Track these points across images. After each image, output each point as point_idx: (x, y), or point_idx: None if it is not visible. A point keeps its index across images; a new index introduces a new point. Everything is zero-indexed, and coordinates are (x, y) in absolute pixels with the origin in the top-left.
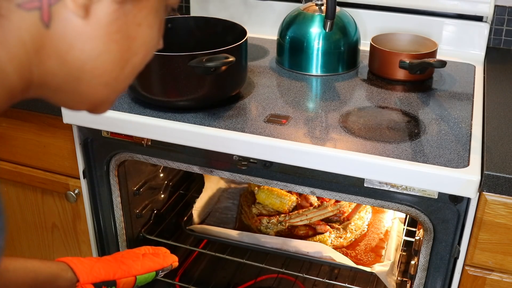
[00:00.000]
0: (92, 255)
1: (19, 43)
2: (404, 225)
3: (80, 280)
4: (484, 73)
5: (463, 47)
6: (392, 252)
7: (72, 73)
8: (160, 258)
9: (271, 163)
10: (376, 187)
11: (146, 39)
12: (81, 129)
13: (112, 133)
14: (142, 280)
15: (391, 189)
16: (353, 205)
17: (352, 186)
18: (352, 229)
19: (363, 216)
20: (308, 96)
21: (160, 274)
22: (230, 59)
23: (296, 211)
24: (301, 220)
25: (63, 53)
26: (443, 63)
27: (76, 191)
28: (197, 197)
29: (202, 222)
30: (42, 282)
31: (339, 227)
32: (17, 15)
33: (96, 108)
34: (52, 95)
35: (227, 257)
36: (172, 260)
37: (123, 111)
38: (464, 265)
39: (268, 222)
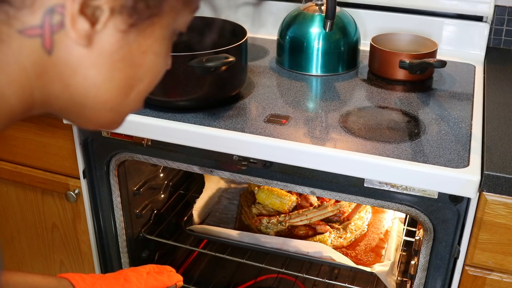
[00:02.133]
0: (92, 255)
1: (20, 68)
2: (404, 225)
3: None
4: (484, 73)
5: (463, 47)
6: (392, 252)
7: (76, 98)
8: (164, 277)
9: (271, 163)
10: (376, 187)
11: (152, 66)
12: (81, 129)
13: (112, 133)
14: None
15: (391, 189)
16: (353, 205)
17: (352, 186)
18: (352, 229)
19: (363, 216)
20: (308, 96)
21: None
22: (230, 59)
23: (296, 211)
24: (301, 220)
25: (66, 78)
26: (443, 63)
27: (76, 191)
28: (197, 197)
29: (202, 222)
30: None
31: (339, 227)
32: (17, 41)
33: (104, 128)
34: (59, 114)
35: (227, 257)
36: (177, 280)
37: None
38: (464, 265)
39: (268, 222)
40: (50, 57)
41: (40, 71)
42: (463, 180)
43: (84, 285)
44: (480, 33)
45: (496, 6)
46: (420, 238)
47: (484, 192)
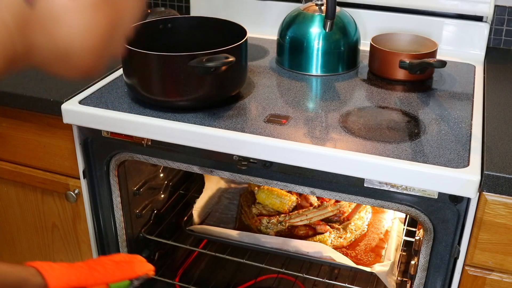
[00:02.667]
0: (92, 255)
1: (0, 22)
2: (404, 225)
3: (49, 286)
4: (484, 73)
5: (463, 47)
6: (392, 252)
7: (60, 47)
8: (135, 266)
9: (271, 163)
10: (376, 187)
11: (132, 6)
12: (81, 129)
13: (112, 133)
14: None
15: (391, 189)
16: (353, 205)
17: (352, 186)
18: (352, 229)
19: (363, 216)
20: (308, 96)
21: (134, 283)
22: (230, 59)
23: (296, 211)
24: (301, 220)
25: (49, 29)
26: (443, 63)
27: (76, 191)
28: (197, 197)
29: (202, 222)
30: (10, 286)
31: (339, 227)
32: None
33: (87, 75)
34: (42, 66)
35: (227, 257)
36: (148, 269)
37: (123, 111)
38: (464, 265)
39: (268, 222)
40: (32, 9)
41: (22, 24)
42: (463, 180)
43: (52, 273)
44: (480, 33)
45: (496, 6)
46: (420, 238)
47: (484, 192)
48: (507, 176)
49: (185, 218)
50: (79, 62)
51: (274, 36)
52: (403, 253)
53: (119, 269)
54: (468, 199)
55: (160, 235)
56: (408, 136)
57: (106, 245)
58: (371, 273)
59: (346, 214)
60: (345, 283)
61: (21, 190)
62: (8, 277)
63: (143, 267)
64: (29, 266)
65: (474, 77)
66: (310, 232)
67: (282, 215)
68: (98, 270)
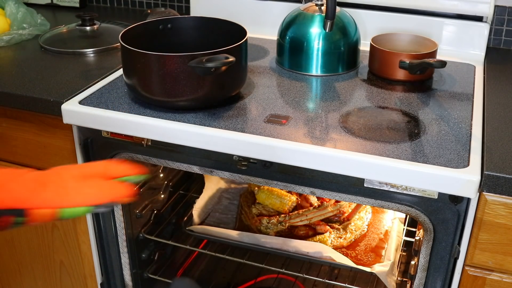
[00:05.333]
0: (92, 255)
1: None
2: (404, 225)
3: None
4: (484, 73)
5: (463, 47)
6: (392, 252)
7: None
8: (108, 186)
9: (271, 163)
10: (376, 187)
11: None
12: (81, 129)
13: (112, 133)
14: (67, 215)
15: (391, 189)
16: (353, 205)
17: (352, 186)
18: (352, 229)
19: (363, 216)
20: (308, 96)
21: (96, 209)
22: (230, 59)
23: (296, 211)
24: (301, 220)
25: None
26: (443, 63)
27: None
28: (197, 198)
29: (202, 222)
30: None
31: (339, 227)
32: None
33: None
34: None
35: (227, 257)
36: (125, 193)
37: (123, 111)
38: (464, 265)
39: (268, 222)
40: None
41: None
42: (463, 180)
43: None
44: (480, 33)
45: (496, 6)
46: (420, 238)
47: (484, 192)
48: (507, 176)
49: (185, 218)
50: None
51: (274, 36)
52: (403, 253)
53: (82, 189)
54: (468, 199)
55: (160, 235)
56: (408, 136)
57: (106, 245)
58: (371, 273)
59: (346, 214)
60: (345, 283)
61: None
62: None
63: (118, 190)
64: None
65: (474, 77)
66: (310, 232)
67: (282, 215)
68: (50, 189)
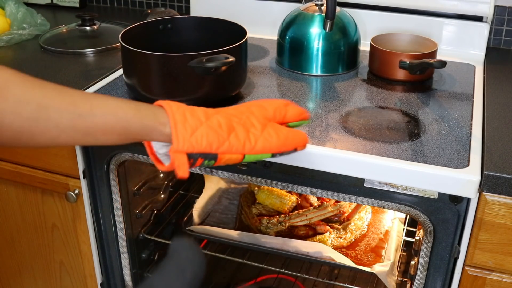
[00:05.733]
0: (92, 255)
1: None
2: (404, 225)
3: (173, 147)
4: (484, 73)
5: (463, 47)
6: (392, 252)
7: None
8: (288, 134)
9: (271, 163)
10: (376, 187)
11: None
12: None
13: None
14: (250, 160)
15: (391, 189)
16: (353, 205)
17: (352, 186)
18: (352, 229)
19: (363, 216)
20: (308, 96)
21: (276, 156)
22: (230, 59)
23: (296, 211)
24: (301, 220)
25: None
26: (443, 63)
27: (76, 191)
28: (197, 198)
29: (202, 222)
30: (134, 133)
31: (339, 227)
32: None
33: None
34: None
35: (227, 257)
36: (301, 142)
37: None
38: (464, 265)
39: (268, 222)
40: None
41: None
42: (463, 180)
43: (182, 129)
44: (480, 33)
45: (496, 6)
46: (420, 238)
47: (484, 192)
48: (507, 176)
49: (185, 218)
50: None
51: (274, 36)
52: (403, 253)
53: (266, 136)
54: (468, 199)
55: (160, 235)
56: (408, 136)
57: (106, 245)
58: (371, 273)
59: (346, 214)
60: (345, 283)
61: (21, 190)
62: (134, 124)
63: (296, 139)
64: (159, 109)
65: (474, 77)
66: (310, 232)
67: (282, 215)
68: (239, 135)
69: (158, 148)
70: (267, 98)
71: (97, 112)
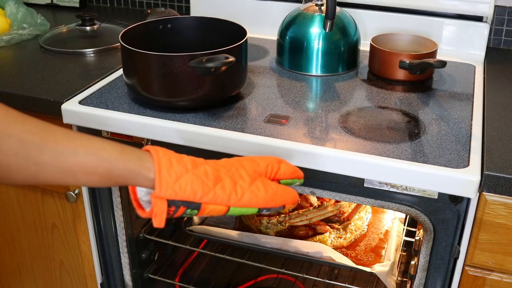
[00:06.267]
0: (92, 255)
1: None
2: (404, 225)
3: (155, 192)
4: (484, 73)
5: (463, 47)
6: (392, 252)
7: None
8: (277, 190)
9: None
10: (376, 187)
11: None
12: (81, 129)
13: (112, 133)
14: (234, 213)
15: (391, 189)
16: (353, 205)
17: (352, 186)
18: (352, 229)
19: (363, 216)
20: (308, 96)
21: (263, 212)
22: (230, 59)
23: (296, 211)
24: (301, 220)
25: None
26: (443, 63)
27: (76, 191)
28: None
29: (202, 222)
30: (117, 175)
31: (339, 227)
32: None
33: None
34: None
35: (227, 257)
36: (291, 200)
37: (123, 111)
38: (464, 265)
39: (268, 222)
40: None
41: None
42: (463, 180)
43: (167, 175)
44: (480, 33)
45: (496, 6)
46: (420, 238)
47: (484, 192)
48: (507, 176)
49: (185, 218)
50: None
51: (274, 36)
52: (403, 253)
53: (254, 191)
54: (468, 199)
55: (160, 235)
56: (408, 136)
57: (106, 245)
58: (371, 273)
59: (346, 214)
60: (345, 283)
61: (21, 190)
62: (117, 166)
63: (286, 195)
64: (145, 155)
65: (474, 77)
66: (310, 232)
67: (282, 215)
68: (225, 187)
69: (143, 195)
70: (261, 156)
71: (80, 151)
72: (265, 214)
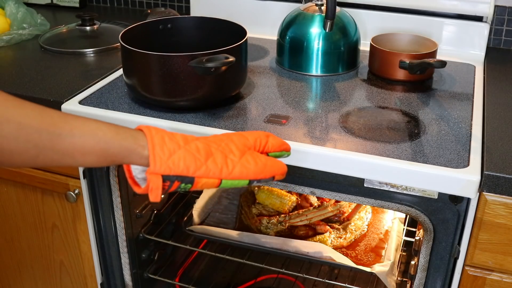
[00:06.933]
0: (92, 255)
1: None
2: (404, 225)
3: (150, 168)
4: (484, 73)
5: (463, 47)
6: (392, 252)
7: None
8: (266, 162)
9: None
10: (376, 187)
11: None
12: None
13: None
14: (226, 185)
15: (391, 189)
16: (353, 205)
17: (352, 186)
18: (352, 229)
19: (363, 216)
20: (308, 96)
21: (254, 183)
22: (230, 59)
23: (296, 211)
24: (301, 220)
25: None
26: (443, 63)
27: (76, 191)
28: (197, 198)
29: (202, 222)
30: (113, 155)
31: (339, 227)
32: None
33: None
34: None
35: (227, 257)
36: (279, 171)
37: (123, 111)
38: (464, 265)
39: (268, 222)
40: None
41: None
42: (463, 180)
43: (160, 152)
44: (480, 33)
45: (496, 6)
46: (420, 238)
47: (484, 192)
48: (507, 176)
49: (185, 218)
50: None
51: (274, 36)
52: (403, 253)
53: (244, 163)
54: (468, 199)
55: (160, 235)
56: (408, 136)
57: (106, 245)
58: (371, 273)
59: (346, 214)
60: (345, 283)
61: (21, 190)
62: (113, 145)
63: (275, 167)
64: (139, 133)
65: (474, 77)
66: (310, 232)
67: (282, 215)
68: (216, 160)
69: (137, 173)
70: (249, 131)
71: (76, 132)
72: (256, 184)
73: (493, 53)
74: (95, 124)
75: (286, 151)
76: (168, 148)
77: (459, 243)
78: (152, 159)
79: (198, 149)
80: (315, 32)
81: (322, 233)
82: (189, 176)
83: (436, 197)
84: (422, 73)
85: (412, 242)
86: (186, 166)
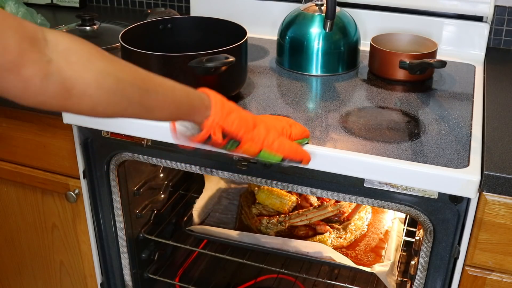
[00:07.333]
0: (92, 255)
1: None
2: (404, 225)
3: (210, 118)
4: (484, 73)
5: (463, 47)
6: (392, 252)
7: None
8: (297, 147)
9: (271, 163)
10: (376, 187)
11: None
12: (81, 129)
13: (112, 133)
14: (264, 157)
15: (391, 189)
16: (353, 205)
17: (352, 186)
18: (352, 229)
19: (363, 216)
20: (308, 96)
21: (284, 163)
22: (230, 59)
23: (296, 211)
24: (301, 220)
25: None
26: (443, 63)
27: (76, 191)
28: (197, 198)
29: (202, 222)
30: (182, 113)
31: (339, 227)
32: None
33: None
34: None
35: (227, 257)
36: (307, 158)
37: None
38: (464, 265)
39: (268, 222)
40: None
41: None
42: (463, 180)
43: (220, 109)
44: (480, 33)
45: (496, 6)
46: (420, 238)
47: (484, 192)
48: (507, 176)
49: (185, 218)
50: None
51: (274, 36)
52: (403, 253)
53: (282, 142)
54: (468, 199)
55: (160, 235)
56: (408, 136)
57: (106, 245)
58: (371, 273)
59: (346, 214)
60: (345, 283)
61: (21, 190)
62: (184, 104)
63: (303, 153)
64: (204, 94)
65: (474, 77)
66: (310, 232)
67: (282, 215)
68: (260, 132)
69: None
70: (276, 116)
71: (160, 90)
72: (285, 164)
73: (493, 53)
74: (172, 84)
75: (307, 137)
76: (226, 109)
77: (459, 243)
78: (214, 112)
79: (247, 118)
80: (315, 32)
81: (322, 233)
82: (238, 138)
83: (436, 197)
84: (422, 73)
85: (412, 242)
86: (238, 127)
